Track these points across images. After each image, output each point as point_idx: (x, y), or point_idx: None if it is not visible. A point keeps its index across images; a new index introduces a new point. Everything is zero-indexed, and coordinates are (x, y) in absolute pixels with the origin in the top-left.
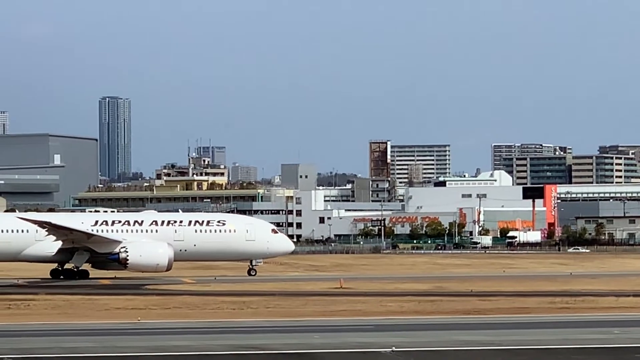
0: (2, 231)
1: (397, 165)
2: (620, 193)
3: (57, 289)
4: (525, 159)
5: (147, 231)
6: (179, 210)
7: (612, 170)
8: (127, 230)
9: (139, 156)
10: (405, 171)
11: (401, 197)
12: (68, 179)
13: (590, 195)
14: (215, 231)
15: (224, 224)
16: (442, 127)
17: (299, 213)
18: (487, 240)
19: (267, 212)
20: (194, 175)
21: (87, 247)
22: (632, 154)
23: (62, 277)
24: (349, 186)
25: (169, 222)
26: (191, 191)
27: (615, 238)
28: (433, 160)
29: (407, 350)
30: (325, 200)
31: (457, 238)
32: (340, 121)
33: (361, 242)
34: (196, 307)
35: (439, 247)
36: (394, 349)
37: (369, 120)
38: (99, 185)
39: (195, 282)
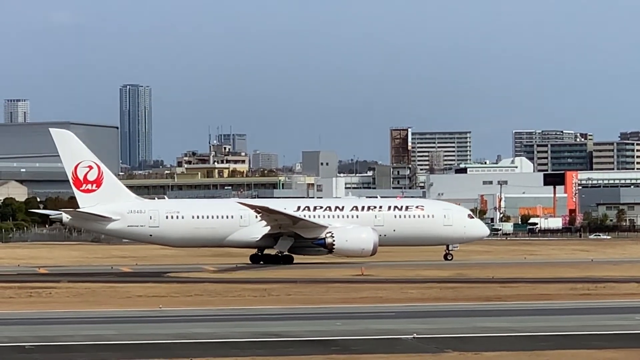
0: (207, 217)
1: (418, 152)
2: None
3: (79, 276)
4: (546, 145)
5: (348, 217)
6: (377, 195)
7: (633, 156)
8: (328, 216)
9: (159, 144)
10: (426, 158)
11: (422, 184)
12: None
13: (611, 181)
14: (414, 216)
15: (422, 209)
16: (463, 113)
17: None
18: (508, 227)
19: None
20: (215, 163)
21: (292, 232)
22: None
23: (261, 262)
24: (369, 173)
25: (369, 208)
26: (212, 179)
27: (636, 224)
28: (454, 147)
29: (428, 337)
30: (346, 188)
31: None
32: (361, 108)
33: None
34: (218, 294)
35: None
36: (415, 335)
37: (389, 107)
38: (120, 173)
39: (216, 270)
